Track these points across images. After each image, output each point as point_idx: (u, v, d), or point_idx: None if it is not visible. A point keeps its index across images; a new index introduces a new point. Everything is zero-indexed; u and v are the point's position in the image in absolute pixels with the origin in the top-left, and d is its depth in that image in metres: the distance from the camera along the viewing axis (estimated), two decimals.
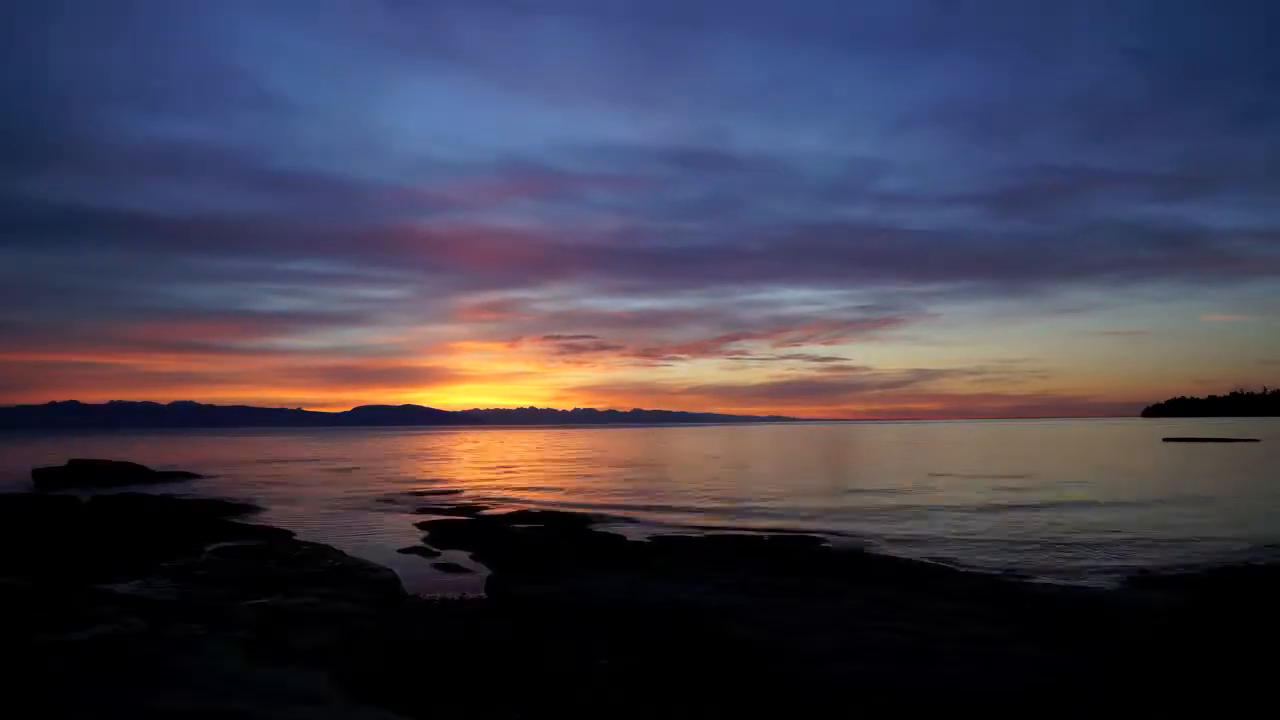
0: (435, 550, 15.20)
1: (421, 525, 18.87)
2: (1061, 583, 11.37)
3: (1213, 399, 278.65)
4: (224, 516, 20.35)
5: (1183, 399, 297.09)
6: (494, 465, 46.66)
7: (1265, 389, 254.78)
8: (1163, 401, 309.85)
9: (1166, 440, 68.83)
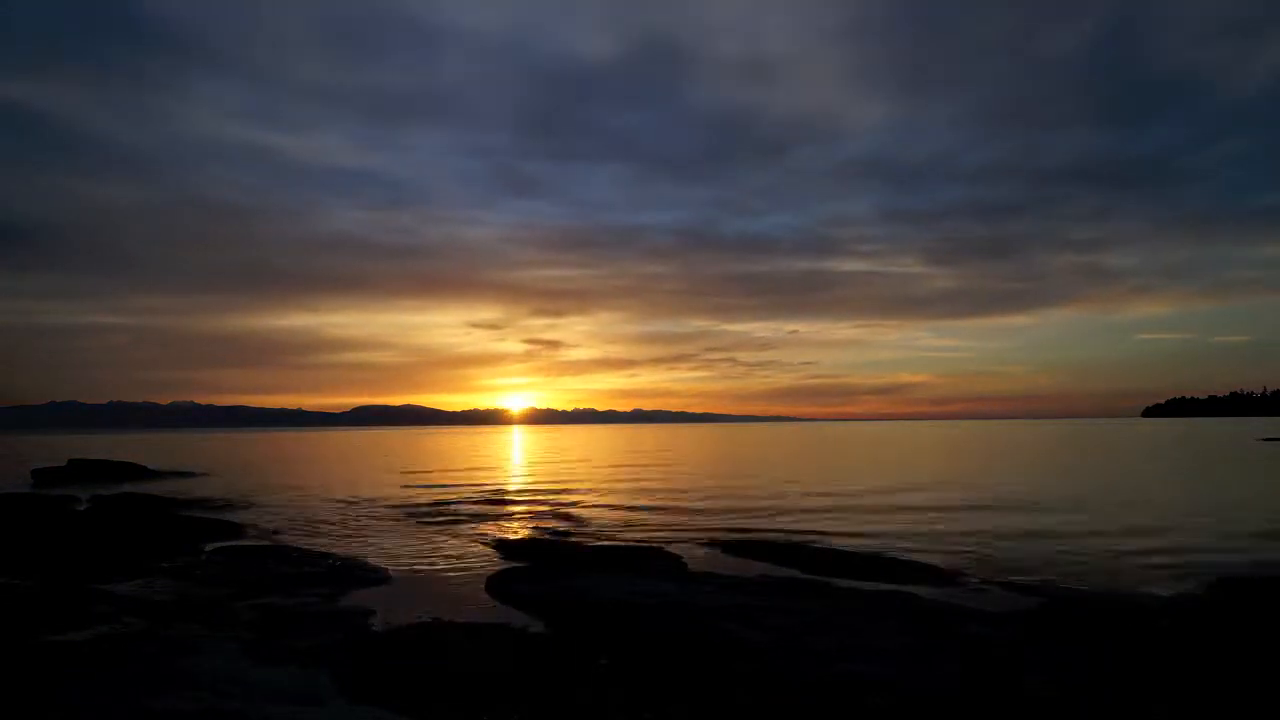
0: (435, 549, 15.19)
1: (421, 524, 18.87)
2: (1065, 584, 11.35)
3: (1212, 399, 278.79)
4: (223, 516, 20.34)
5: (1182, 399, 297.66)
6: (491, 463, 46.64)
7: (1264, 389, 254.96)
8: (1162, 401, 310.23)
9: (1264, 440, 66.06)
